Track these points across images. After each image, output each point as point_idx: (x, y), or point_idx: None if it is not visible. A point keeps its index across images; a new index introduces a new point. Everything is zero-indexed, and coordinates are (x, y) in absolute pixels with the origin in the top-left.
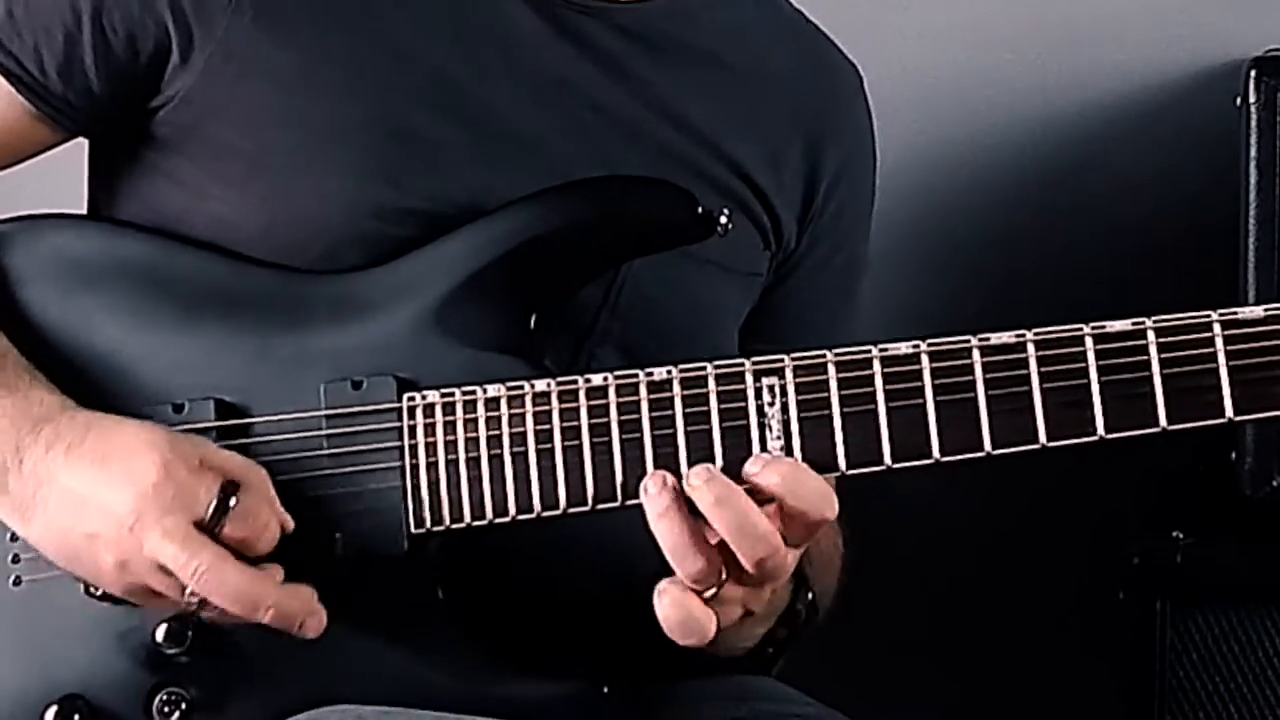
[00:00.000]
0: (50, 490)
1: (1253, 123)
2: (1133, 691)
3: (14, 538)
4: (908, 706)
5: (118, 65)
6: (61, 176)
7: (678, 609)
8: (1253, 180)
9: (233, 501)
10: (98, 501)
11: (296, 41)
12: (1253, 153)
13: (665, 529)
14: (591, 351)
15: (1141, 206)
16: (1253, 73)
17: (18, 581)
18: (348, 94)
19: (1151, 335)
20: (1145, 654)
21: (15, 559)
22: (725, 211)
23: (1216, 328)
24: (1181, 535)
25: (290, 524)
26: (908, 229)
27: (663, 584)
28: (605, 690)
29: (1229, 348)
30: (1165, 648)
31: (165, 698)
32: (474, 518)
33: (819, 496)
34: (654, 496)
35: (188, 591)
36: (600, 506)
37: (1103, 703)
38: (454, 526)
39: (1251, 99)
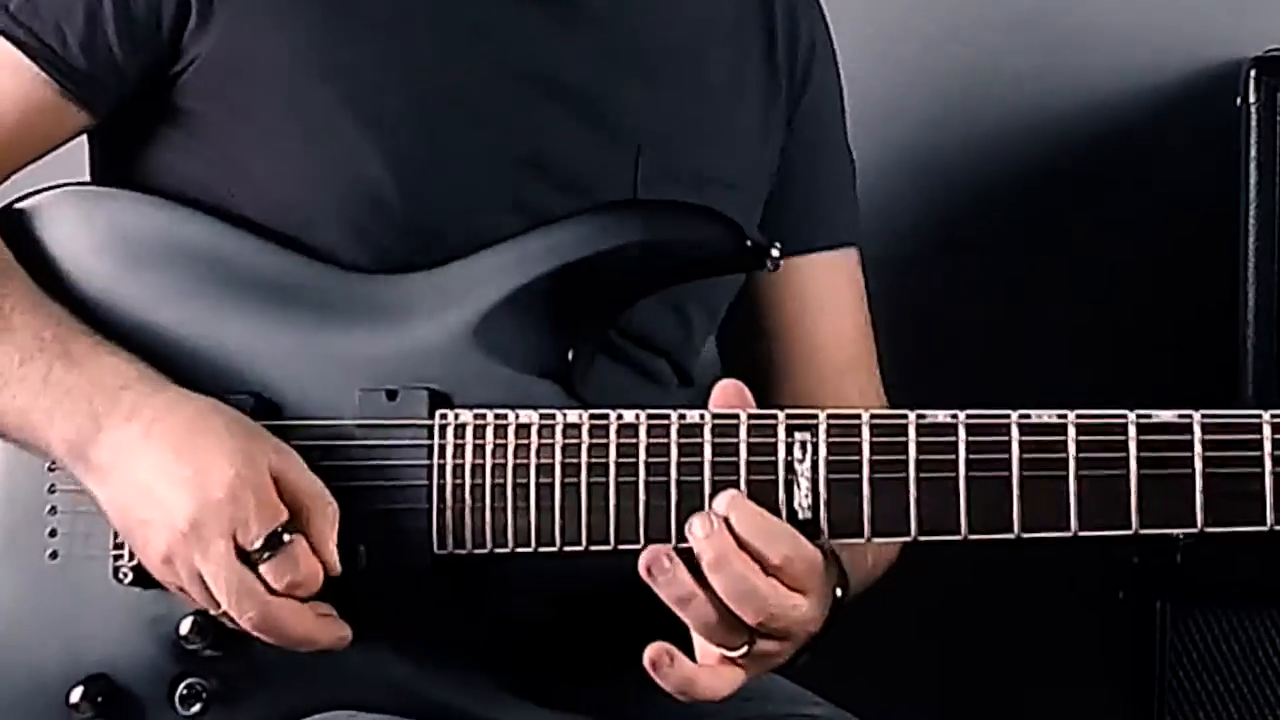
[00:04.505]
0: (125, 464)
1: (1253, 123)
2: (1133, 691)
3: (52, 510)
4: (908, 706)
5: (140, 35)
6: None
7: (675, 680)
8: (1253, 180)
9: (286, 538)
10: (161, 495)
11: None
12: (1253, 153)
13: (692, 612)
14: None
15: (1141, 206)
16: (1253, 73)
17: (55, 555)
18: (374, 41)
19: (1198, 431)
20: (1145, 654)
21: (53, 533)
22: (777, 245)
23: (1267, 429)
24: (1181, 535)
25: (336, 570)
26: (908, 229)
27: (656, 655)
28: None
29: (1278, 452)
30: (1165, 648)
31: (188, 688)
32: (496, 545)
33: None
34: (666, 583)
35: (220, 610)
36: (622, 547)
37: (1103, 703)
38: (477, 552)
39: (1251, 99)
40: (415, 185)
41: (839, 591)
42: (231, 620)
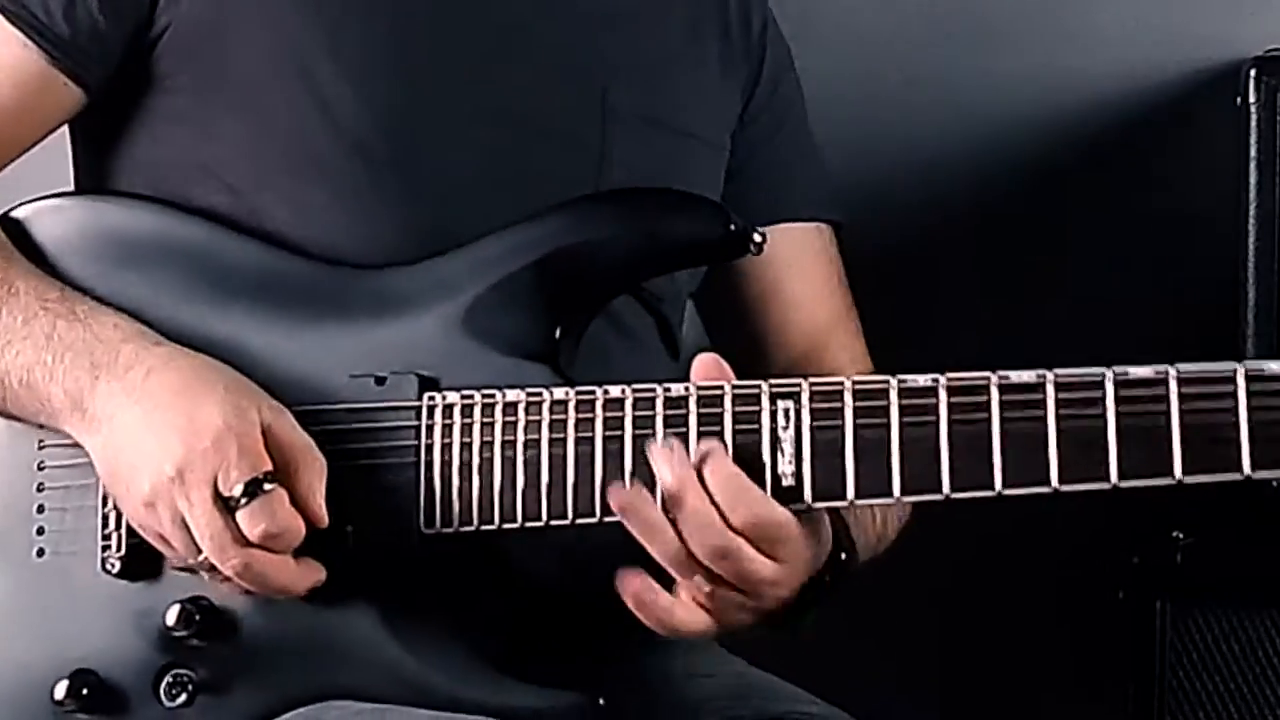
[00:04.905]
0: (119, 412)
1: (1253, 123)
2: (1133, 691)
3: (40, 509)
4: (908, 706)
5: (120, 2)
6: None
7: (643, 603)
8: (1253, 180)
9: (266, 487)
10: (151, 440)
11: None
12: (1253, 153)
13: (658, 546)
14: None
15: (1141, 206)
16: (1253, 73)
17: (41, 553)
18: None
19: (1174, 384)
20: (1145, 654)
21: (40, 531)
22: (761, 232)
23: (1241, 380)
24: (1181, 535)
25: (323, 522)
26: (908, 229)
27: (627, 578)
28: (601, 702)
29: (1252, 402)
30: (1165, 648)
31: (174, 678)
32: (483, 522)
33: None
34: (634, 517)
35: (200, 557)
36: (607, 519)
37: (1103, 703)
38: (464, 529)
39: (1251, 99)
40: (397, 133)
41: (844, 555)
42: (210, 570)
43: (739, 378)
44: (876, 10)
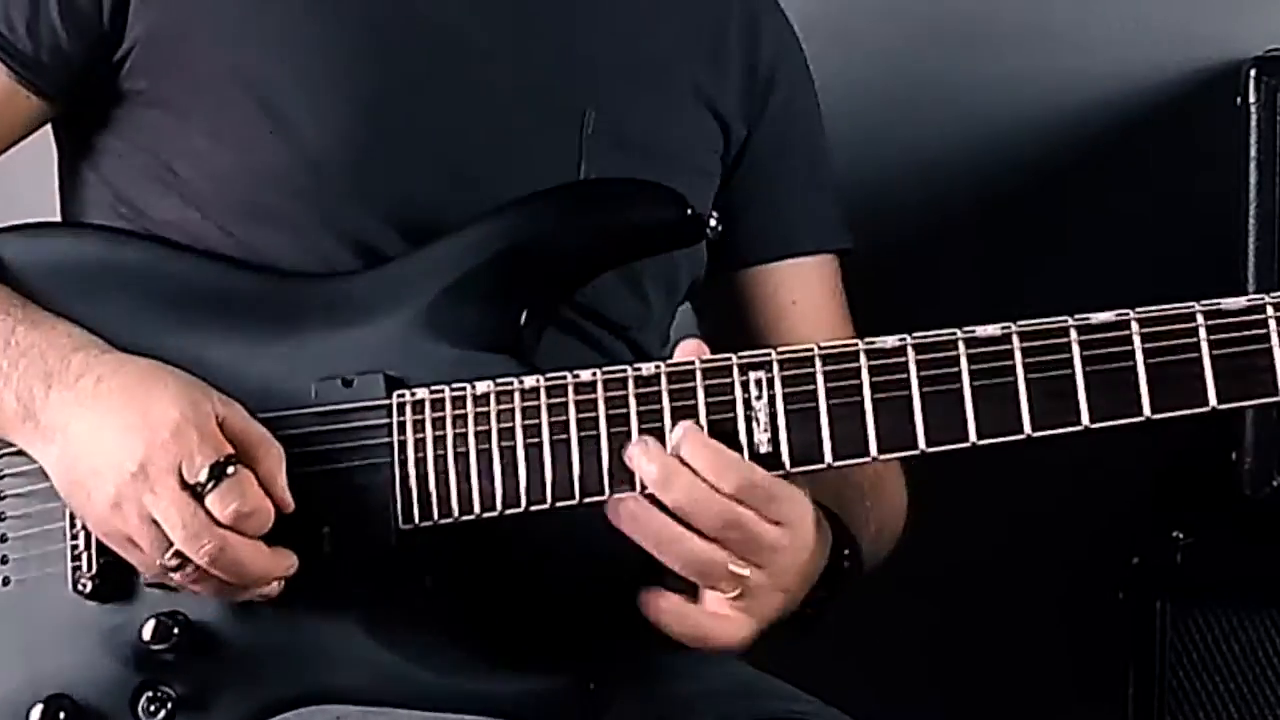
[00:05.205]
0: (74, 420)
1: (1253, 123)
2: (1133, 691)
3: (3, 538)
4: (907, 706)
5: (83, 20)
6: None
7: (676, 620)
8: (1253, 180)
9: (230, 469)
10: (109, 442)
11: None
12: (1253, 153)
13: (674, 553)
14: None
15: (1142, 206)
16: (1253, 73)
17: (6, 581)
18: (310, 15)
19: (1135, 326)
20: (1145, 654)
21: (4, 559)
22: (715, 215)
23: (1200, 318)
24: (1181, 535)
25: (290, 506)
26: (908, 229)
27: (654, 599)
28: (591, 687)
29: (1212, 337)
30: (1165, 648)
31: (151, 696)
32: (462, 513)
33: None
34: (642, 529)
35: (170, 551)
36: (587, 500)
37: (1103, 703)
38: (442, 522)
39: (1251, 99)
40: (359, 153)
41: (846, 553)
42: (179, 563)
43: None
44: (876, 10)
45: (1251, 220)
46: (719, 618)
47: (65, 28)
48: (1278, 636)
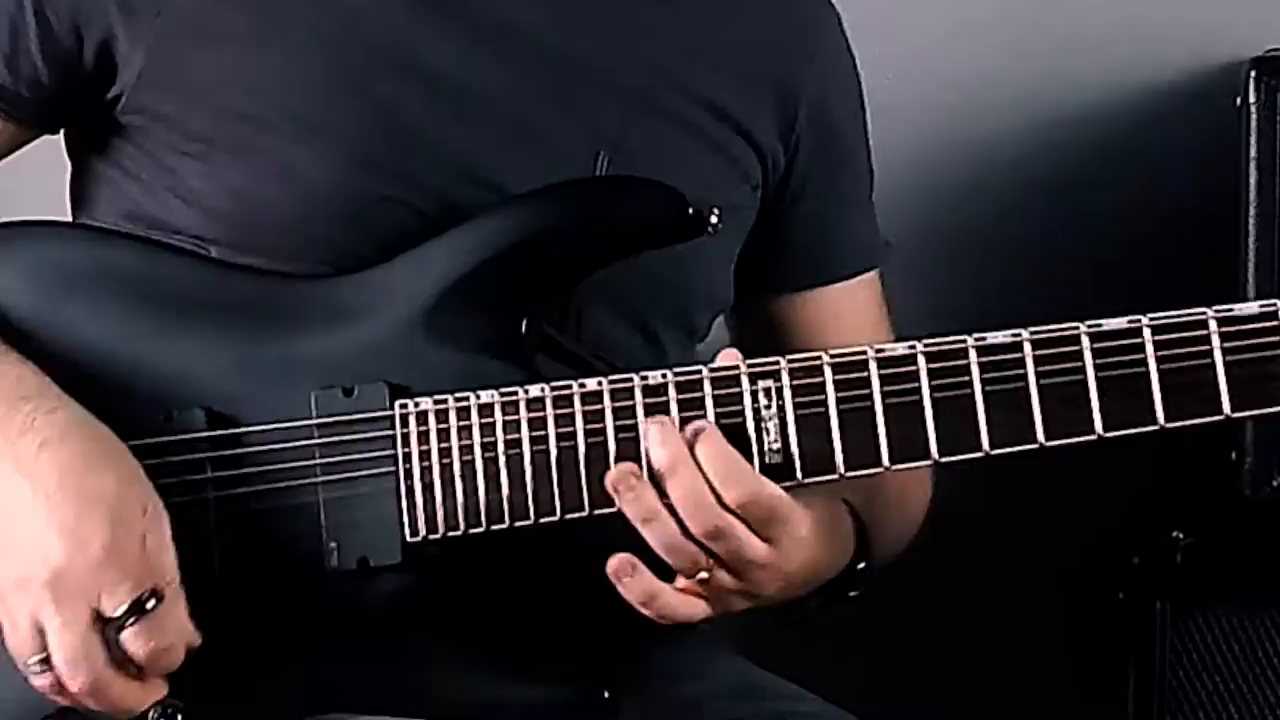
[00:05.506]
0: (4, 479)
1: (1253, 123)
2: (1133, 691)
3: None
4: (907, 706)
5: (63, 53)
6: (46, 178)
7: (638, 590)
8: (1253, 180)
9: (150, 604)
10: (33, 530)
11: (242, 3)
12: (1253, 153)
13: (654, 531)
14: (579, 311)
15: (1141, 207)
16: (1253, 73)
17: None
18: (305, 55)
19: (1148, 333)
20: (1145, 654)
21: None
22: (716, 210)
23: (1213, 325)
24: (1181, 535)
25: (197, 643)
26: (908, 230)
27: (619, 565)
28: (606, 695)
29: (1225, 344)
30: (1165, 648)
31: (160, 709)
32: (469, 525)
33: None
34: (631, 500)
35: (39, 659)
36: (597, 512)
37: (1103, 703)
38: (450, 534)
39: (1251, 99)
40: (357, 201)
41: (861, 564)
42: (43, 671)
43: None
44: (875, 10)
45: (1251, 220)
46: (679, 595)
47: (46, 64)
48: (1278, 636)
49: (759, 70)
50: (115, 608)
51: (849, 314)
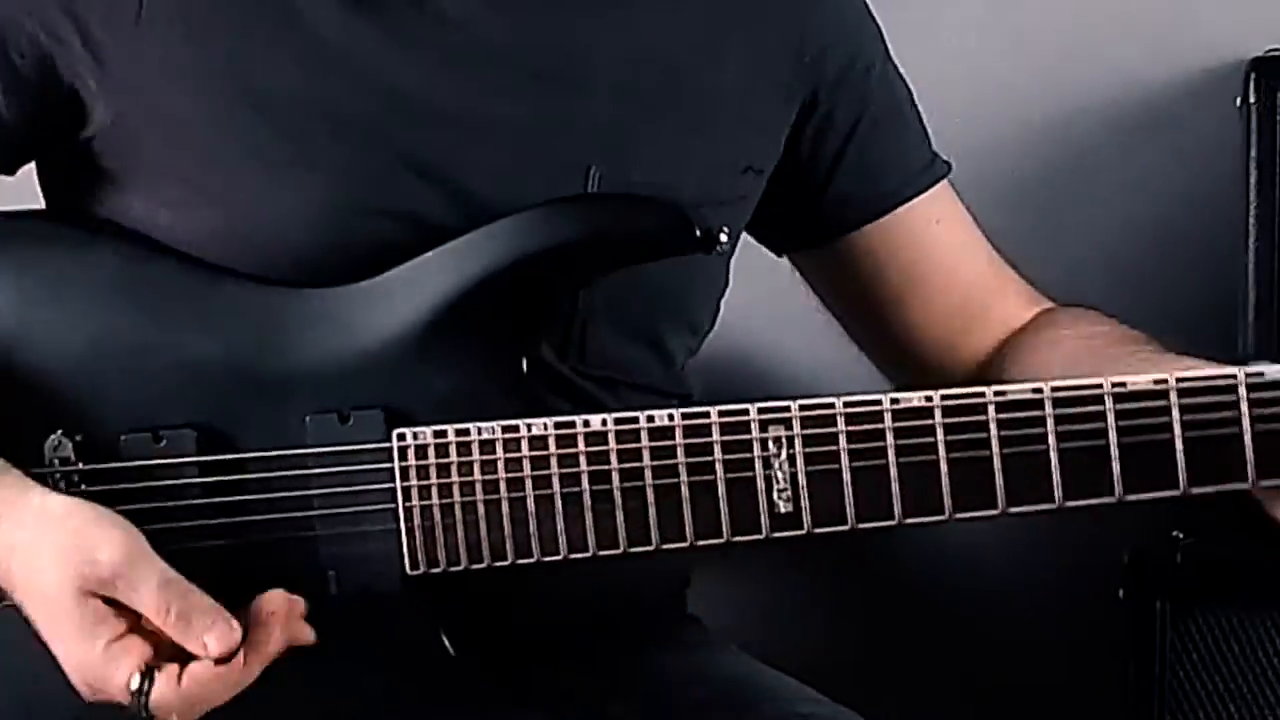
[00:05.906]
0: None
1: (1253, 123)
2: (1133, 691)
3: None
4: (907, 706)
5: (29, 92)
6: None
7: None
8: (1253, 180)
9: (154, 673)
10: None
11: (207, 36)
12: (1253, 153)
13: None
14: (583, 327)
15: (1141, 207)
16: (1253, 73)
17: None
18: (275, 83)
19: (1174, 396)
20: (1145, 654)
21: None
22: (724, 229)
23: (1242, 390)
24: (1181, 535)
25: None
26: None
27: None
28: (610, 712)
29: (1255, 411)
30: (1165, 648)
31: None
32: (471, 561)
33: None
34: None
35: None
36: (603, 554)
37: (1103, 703)
38: (451, 570)
39: (1251, 99)
40: (334, 233)
41: None
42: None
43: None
44: (875, 11)
45: (1251, 220)
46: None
47: (8, 102)
48: (1278, 636)
49: (757, 41)
50: (125, 690)
51: (927, 238)
